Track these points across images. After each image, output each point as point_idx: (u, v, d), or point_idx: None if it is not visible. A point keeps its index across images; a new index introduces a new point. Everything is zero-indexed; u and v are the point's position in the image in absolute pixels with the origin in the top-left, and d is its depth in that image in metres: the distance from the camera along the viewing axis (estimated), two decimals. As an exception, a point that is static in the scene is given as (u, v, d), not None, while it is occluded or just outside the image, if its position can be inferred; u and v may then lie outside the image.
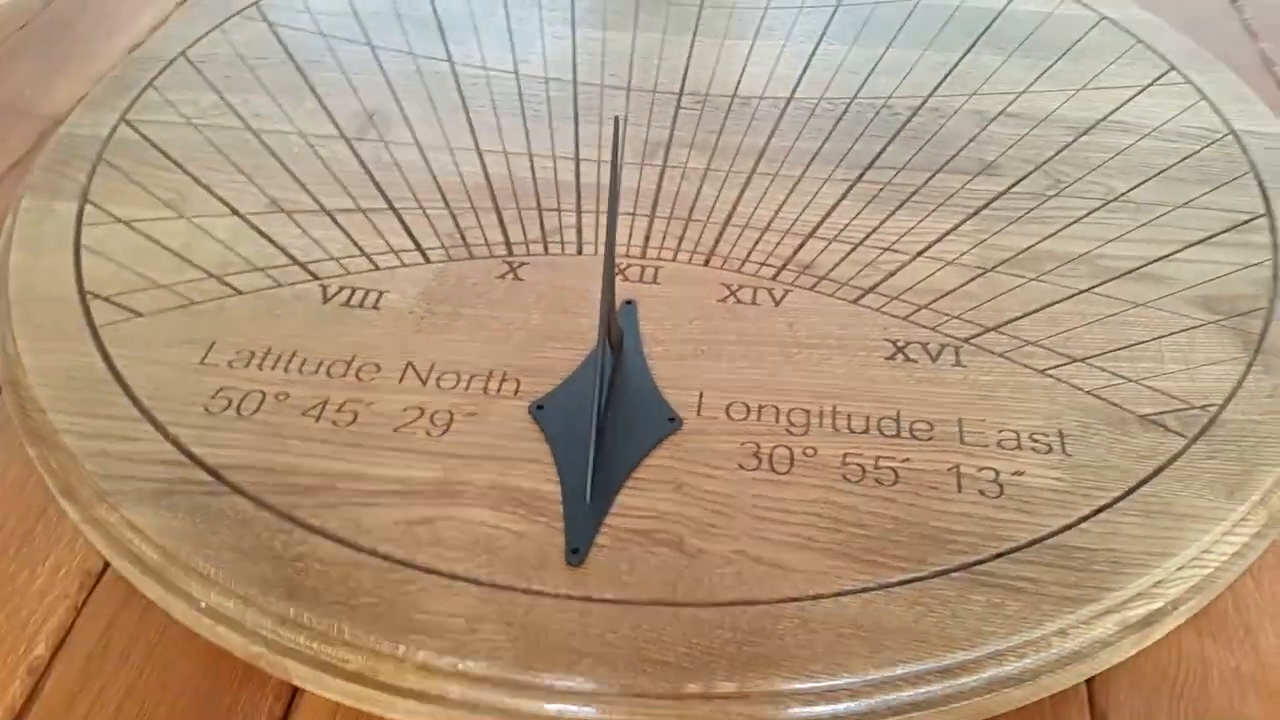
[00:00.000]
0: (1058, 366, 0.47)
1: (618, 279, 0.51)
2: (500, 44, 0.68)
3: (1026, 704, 0.39)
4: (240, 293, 0.51)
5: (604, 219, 0.55)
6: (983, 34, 0.69)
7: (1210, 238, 0.54)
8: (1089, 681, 0.40)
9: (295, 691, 0.40)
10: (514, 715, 0.37)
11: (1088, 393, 0.46)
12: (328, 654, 0.38)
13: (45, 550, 0.45)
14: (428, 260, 0.53)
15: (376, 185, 0.57)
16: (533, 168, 0.58)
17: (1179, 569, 0.40)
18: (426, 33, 0.69)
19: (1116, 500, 0.42)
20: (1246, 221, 0.54)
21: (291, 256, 0.53)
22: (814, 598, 0.39)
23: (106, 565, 0.44)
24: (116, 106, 0.63)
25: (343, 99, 0.63)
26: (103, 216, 0.55)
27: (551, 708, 0.37)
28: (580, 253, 0.53)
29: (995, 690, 0.38)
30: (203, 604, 0.40)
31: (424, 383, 0.47)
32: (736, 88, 0.64)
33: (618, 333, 0.46)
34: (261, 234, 0.54)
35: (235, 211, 0.55)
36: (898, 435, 0.45)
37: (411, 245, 0.54)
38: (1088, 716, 0.40)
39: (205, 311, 0.50)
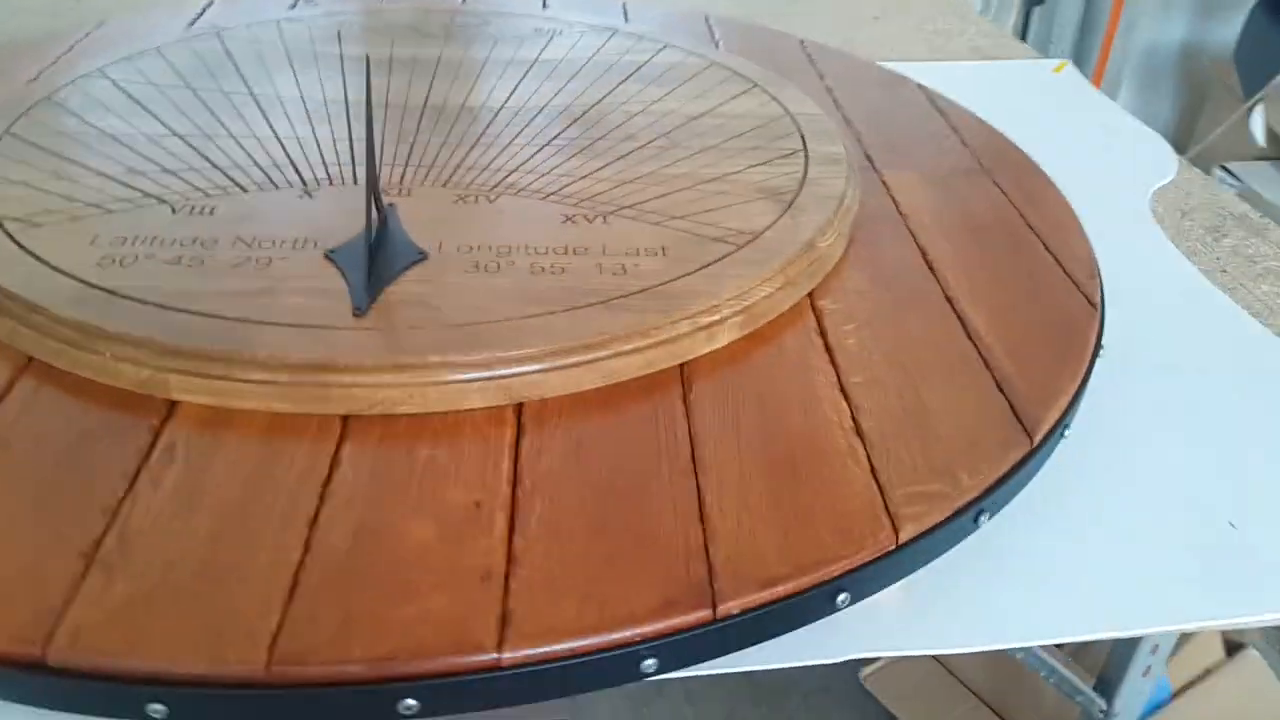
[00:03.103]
0: (665, 221, 0.76)
1: (385, 199, 0.77)
2: (288, 81, 0.94)
3: (647, 374, 0.65)
4: (112, 211, 0.74)
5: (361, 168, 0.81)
6: (631, 74, 1.00)
7: (768, 161, 0.84)
8: (681, 367, 0.66)
9: (172, 405, 0.61)
10: (322, 385, 0.60)
11: (680, 231, 0.74)
12: (198, 367, 0.60)
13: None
14: (245, 190, 0.77)
15: (207, 159, 0.81)
16: (319, 144, 0.84)
17: (728, 298, 0.68)
18: (231, 76, 0.95)
19: (692, 273, 0.70)
20: (791, 154, 0.86)
21: (143, 190, 0.76)
22: (525, 317, 0.64)
23: (30, 361, 0.64)
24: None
25: (172, 117, 0.87)
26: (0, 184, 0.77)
27: (347, 378, 0.60)
28: (357, 184, 0.79)
29: (636, 352, 0.64)
30: (108, 354, 0.61)
31: (249, 246, 0.70)
32: (464, 102, 0.92)
33: (379, 194, 0.71)
34: (127, 185, 0.77)
35: (102, 173, 0.78)
36: (566, 254, 0.71)
37: (234, 184, 0.78)
38: (680, 387, 0.65)
39: (90, 217, 0.72)
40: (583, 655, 0.49)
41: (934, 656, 1.19)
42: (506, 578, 0.51)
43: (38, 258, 0.68)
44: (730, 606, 0.51)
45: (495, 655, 0.48)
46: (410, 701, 0.47)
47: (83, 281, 0.66)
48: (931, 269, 0.78)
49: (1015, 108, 1.08)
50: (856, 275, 0.76)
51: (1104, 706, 0.90)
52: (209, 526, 0.53)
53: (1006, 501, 0.61)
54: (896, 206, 0.86)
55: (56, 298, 0.64)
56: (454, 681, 0.47)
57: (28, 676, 0.47)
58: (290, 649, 0.47)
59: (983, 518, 0.59)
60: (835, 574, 0.53)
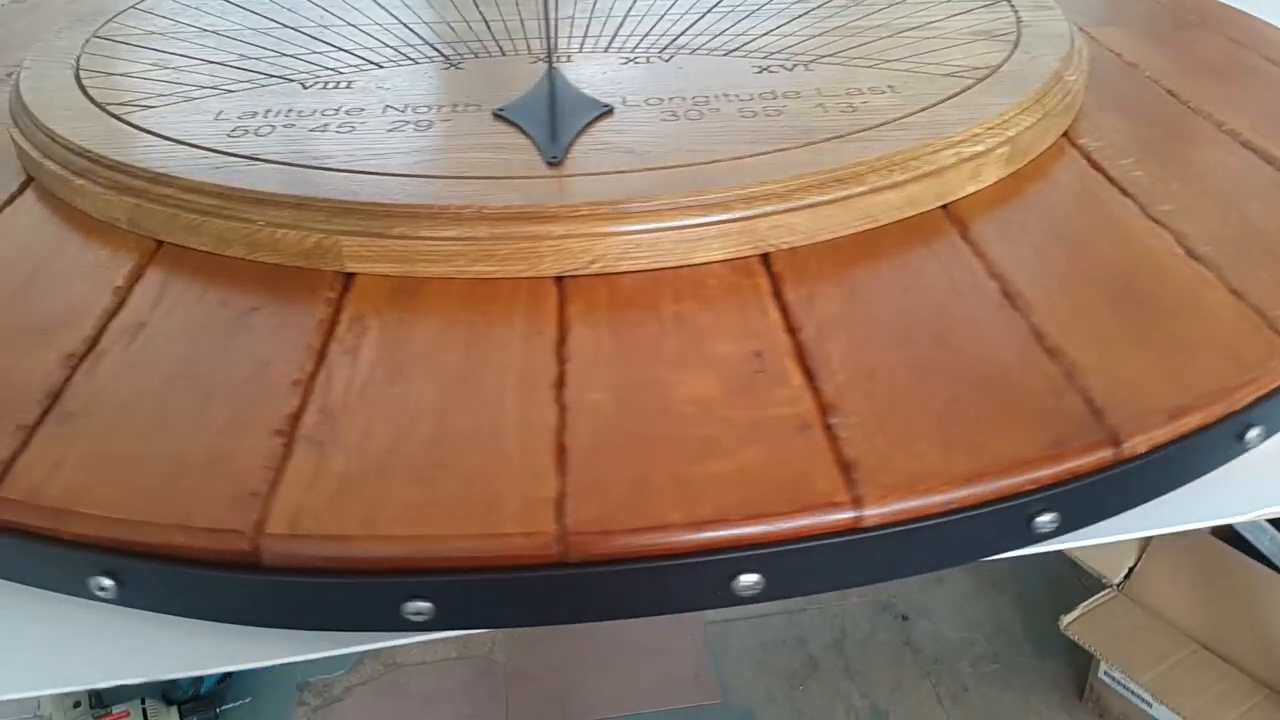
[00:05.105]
0: (879, 64, 0.64)
1: (537, 64, 0.65)
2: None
3: (909, 218, 0.53)
4: (232, 91, 0.62)
5: (505, 42, 0.69)
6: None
7: (970, 10, 0.72)
8: (945, 207, 0.54)
9: (346, 279, 0.49)
10: (530, 238, 0.48)
11: (903, 70, 0.63)
12: (378, 226, 0.49)
13: (112, 240, 0.53)
14: (380, 67, 0.66)
15: (328, 43, 0.70)
16: (451, 27, 0.73)
17: (988, 127, 0.56)
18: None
19: (935, 105, 0.58)
20: (993, 3, 0.74)
21: (263, 72, 0.65)
22: (754, 155, 0.53)
23: (160, 244, 0.52)
24: (84, 33, 0.74)
25: (276, 13, 0.76)
26: (96, 76, 0.66)
27: (559, 229, 0.48)
28: (504, 56, 0.67)
29: (896, 188, 0.52)
30: (262, 222, 0.50)
31: (401, 111, 0.59)
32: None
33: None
34: (243, 69, 0.66)
35: (212, 61, 0.67)
36: (776, 98, 0.60)
37: (366, 62, 0.67)
38: (955, 228, 0.53)
39: (207, 98, 0.61)
40: (962, 510, 0.36)
41: (1143, 604, 1.06)
42: (828, 427, 0.39)
43: (154, 133, 0.57)
44: (1136, 444, 0.39)
45: (854, 512, 0.35)
46: (751, 578, 0.35)
47: (214, 150, 0.54)
48: (1189, 106, 0.66)
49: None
50: (1108, 116, 0.64)
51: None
52: (433, 396, 0.41)
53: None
54: (1119, 57, 0.74)
55: (188, 166, 0.53)
56: (803, 548, 0.35)
57: (235, 580, 0.35)
58: (586, 517, 0.35)
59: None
60: (1244, 403, 0.41)
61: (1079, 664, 1.15)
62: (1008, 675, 1.17)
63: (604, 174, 0.51)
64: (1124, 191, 0.55)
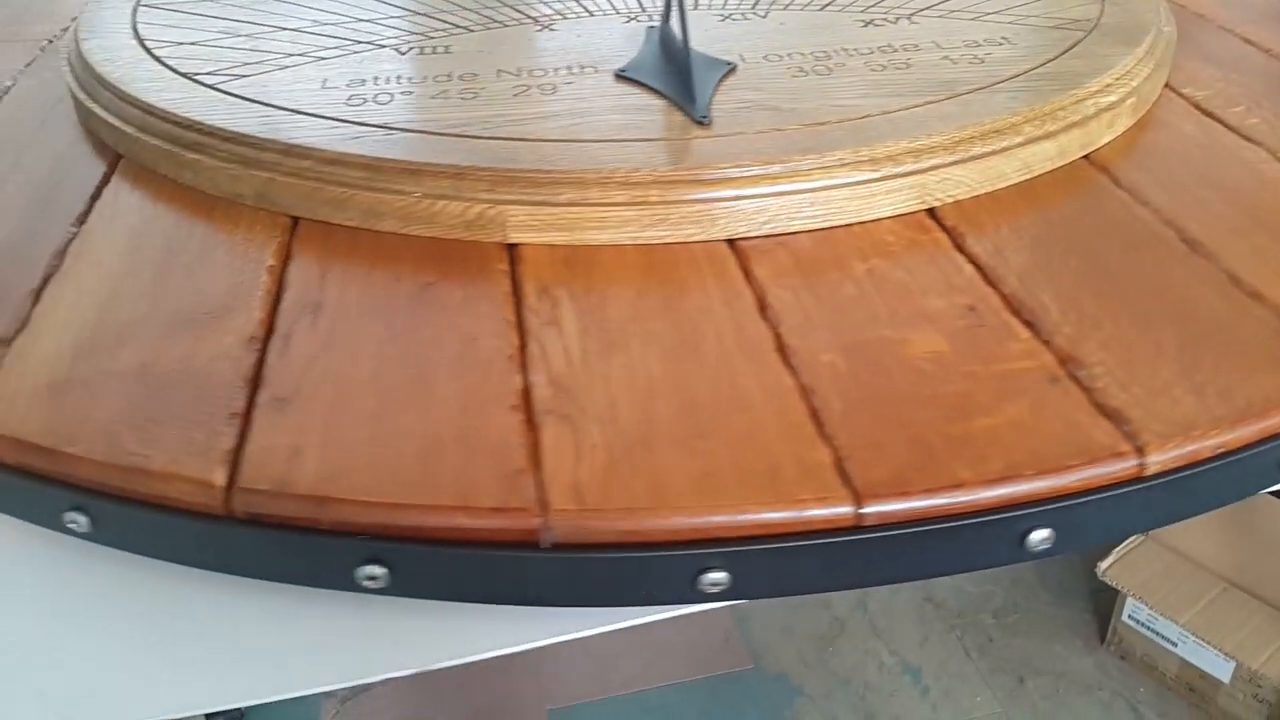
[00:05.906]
0: (982, 17, 0.64)
1: (643, 27, 0.64)
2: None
3: (1059, 169, 0.53)
4: (324, 58, 0.59)
5: (588, 2, 0.67)
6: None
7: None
8: (1087, 157, 0.54)
9: (510, 250, 0.47)
10: (704, 201, 0.47)
11: (1008, 23, 0.63)
12: (544, 194, 0.47)
13: (240, 218, 0.50)
14: (471, 31, 0.63)
15: (404, 8, 0.67)
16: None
17: (1116, 77, 0.56)
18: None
19: (1058, 57, 0.58)
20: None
21: (348, 39, 0.62)
22: (904, 109, 0.52)
23: (295, 220, 0.50)
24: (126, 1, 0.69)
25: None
26: (166, 46, 0.62)
27: (729, 191, 0.47)
28: (593, 16, 0.65)
29: (1049, 138, 0.52)
30: (419, 193, 0.48)
31: (517, 75, 0.57)
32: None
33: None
34: (325, 35, 0.63)
35: (286, 28, 0.64)
36: (898, 51, 0.59)
37: (454, 26, 0.64)
38: (1105, 177, 0.53)
39: (300, 65, 0.58)
40: (1227, 455, 0.37)
41: (1171, 547, 1.09)
42: (1075, 379, 0.39)
43: (264, 103, 0.54)
44: (1373, 381, 0.39)
45: (1138, 460, 0.35)
46: (1043, 533, 0.35)
47: (341, 120, 0.52)
48: (1271, 54, 0.67)
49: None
50: (1200, 65, 0.65)
51: None
52: (659, 366, 0.40)
53: None
54: (1184, 8, 0.75)
55: (321, 137, 0.50)
56: (1092, 500, 0.35)
57: (524, 560, 0.33)
58: (874, 480, 0.34)
59: None
60: None
61: (1099, 609, 1.18)
62: (1030, 624, 1.19)
63: (762, 132, 0.50)
64: (1248, 139, 0.56)
